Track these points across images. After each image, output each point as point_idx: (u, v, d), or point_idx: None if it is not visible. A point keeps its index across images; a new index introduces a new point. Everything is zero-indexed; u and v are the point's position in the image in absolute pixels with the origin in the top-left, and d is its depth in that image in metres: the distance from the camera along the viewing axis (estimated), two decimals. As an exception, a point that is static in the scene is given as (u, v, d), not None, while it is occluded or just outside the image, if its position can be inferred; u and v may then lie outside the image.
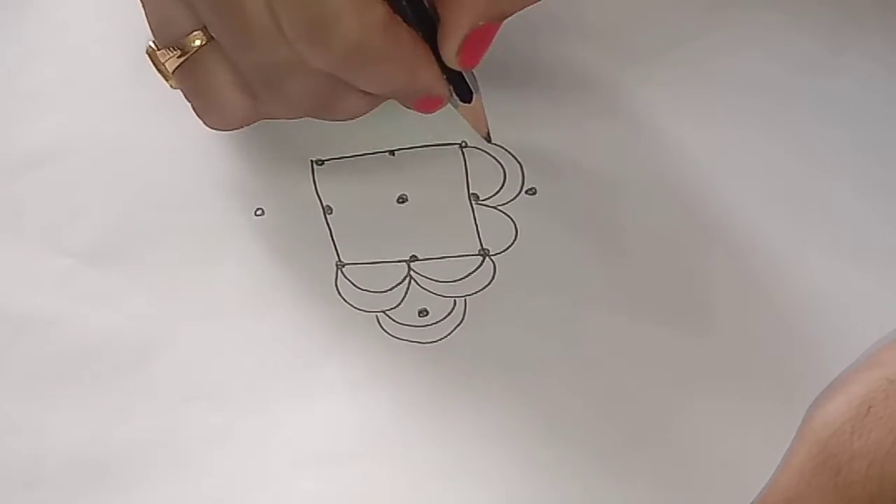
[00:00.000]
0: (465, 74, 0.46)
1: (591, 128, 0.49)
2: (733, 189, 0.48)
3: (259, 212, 0.48)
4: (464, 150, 0.49)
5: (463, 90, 0.47)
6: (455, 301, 0.47)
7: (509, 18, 0.45)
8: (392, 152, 0.49)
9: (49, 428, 0.45)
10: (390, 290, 0.47)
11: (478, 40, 0.44)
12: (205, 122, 0.46)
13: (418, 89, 0.45)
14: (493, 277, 0.47)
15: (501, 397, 0.45)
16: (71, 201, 0.48)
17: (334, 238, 0.48)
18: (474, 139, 0.49)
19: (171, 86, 0.46)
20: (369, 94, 0.45)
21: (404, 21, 0.44)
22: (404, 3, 0.43)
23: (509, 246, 0.48)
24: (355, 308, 0.47)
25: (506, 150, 0.49)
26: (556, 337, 0.46)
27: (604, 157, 0.49)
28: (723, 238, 0.47)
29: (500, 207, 0.48)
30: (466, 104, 0.47)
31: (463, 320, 0.46)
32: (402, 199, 0.48)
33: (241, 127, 0.46)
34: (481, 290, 0.47)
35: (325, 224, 0.48)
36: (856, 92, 0.49)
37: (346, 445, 0.44)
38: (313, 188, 0.48)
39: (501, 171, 0.49)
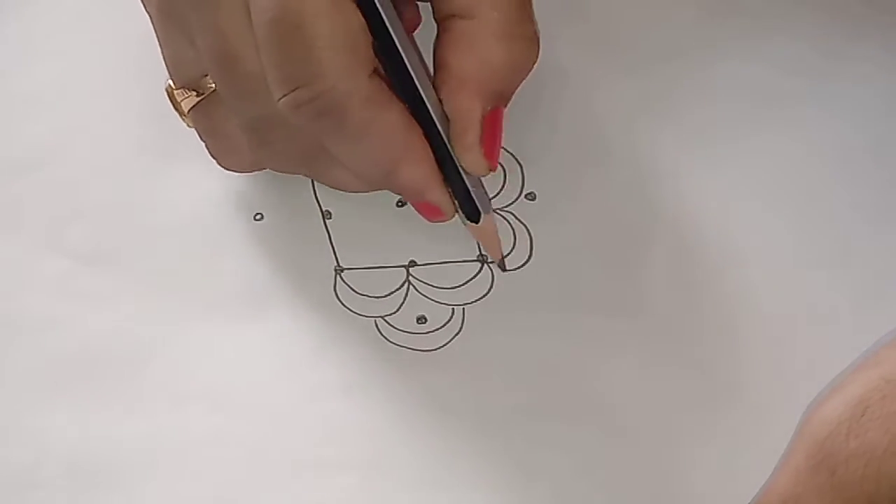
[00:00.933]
0: (472, 190, 0.45)
1: (590, 134, 0.50)
2: (731, 192, 0.48)
3: (258, 216, 0.48)
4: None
5: (469, 207, 0.45)
6: (454, 309, 0.47)
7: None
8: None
9: (48, 429, 0.45)
10: (389, 295, 0.47)
11: (491, 129, 0.44)
12: (218, 163, 0.47)
13: (403, 183, 0.44)
14: (491, 284, 0.47)
15: (499, 406, 0.45)
16: (70, 203, 0.49)
17: (333, 243, 0.48)
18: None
19: (187, 125, 0.46)
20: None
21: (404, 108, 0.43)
22: (405, 101, 0.42)
23: (508, 253, 0.48)
24: (354, 313, 0.47)
25: (506, 150, 0.49)
26: (555, 345, 0.46)
27: (603, 164, 0.49)
28: (722, 240, 0.47)
29: (499, 211, 0.48)
30: (481, 225, 0.45)
31: (461, 329, 0.46)
32: (401, 203, 0.48)
33: (253, 171, 0.47)
34: (480, 298, 0.47)
35: (325, 229, 0.48)
36: (852, 96, 0.49)
37: (343, 451, 0.44)
38: (312, 193, 0.49)
39: (501, 173, 0.49)
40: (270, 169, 0.47)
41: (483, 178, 0.48)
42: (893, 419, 0.40)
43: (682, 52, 0.50)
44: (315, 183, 0.49)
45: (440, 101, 0.43)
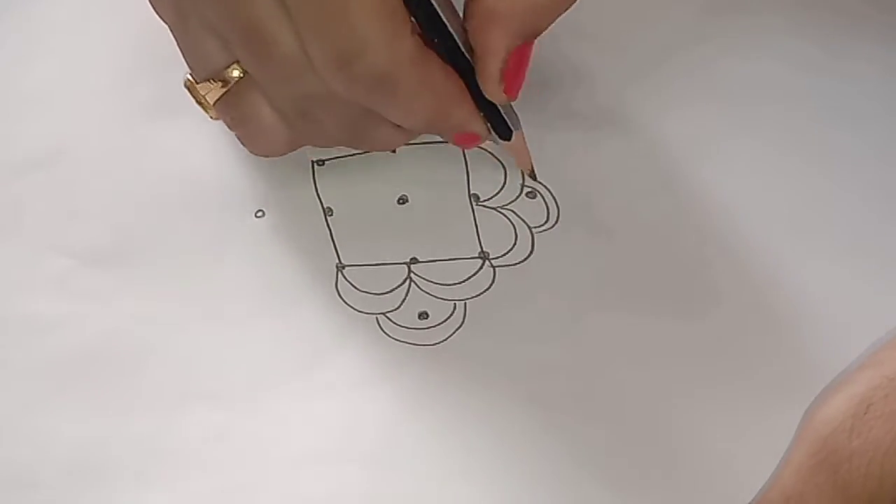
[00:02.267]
0: (501, 110, 0.46)
1: (591, 130, 0.50)
2: (733, 191, 0.48)
3: (260, 213, 0.48)
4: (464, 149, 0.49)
5: (501, 127, 0.46)
6: (455, 304, 0.47)
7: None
8: (392, 151, 0.49)
9: (49, 428, 0.44)
10: (390, 292, 0.47)
11: (516, 64, 0.44)
12: (250, 150, 0.47)
13: (452, 125, 0.45)
14: (493, 281, 0.47)
15: (501, 401, 0.45)
16: (71, 202, 0.48)
17: (335, 239, 0.48)
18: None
19: (212, 117, 0.46)
20: (402, 127, 0.45)
21: (437, 55, 0.43)
22: (436, 39, 0.43)
23: (510, 249, 0.48)
24: (355, 310, 0.47)
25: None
26: (556, 341, 0.46)
27: (605, 160, 0.49)
28: (723, 239, 0.47)
29: (500, 209, 0.48)
30: (514, 141, 0.47)
31: (463, 323, 0.46)
32: (402, 200, 0.48)
33: (287, 153, 0.47)
34: (481, 293, 0.47)
35: (326, 225, 0.48)
36: (854, 94, 0.49)
37: (346, 448, 0.44)
38: (314, 189, 0.48)
39: (502, 170, 0.49)
40: (312, 145, 0.47)
41: (484, 176, 0.49)
42: (896, 417, 0.40)
43: (683, 50, 0.50)
44: (317, 180, 0.49)
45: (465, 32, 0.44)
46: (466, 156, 0.49)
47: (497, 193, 0.49)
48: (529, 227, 0.48)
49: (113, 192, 0.49)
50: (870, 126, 0.49)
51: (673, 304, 0.46)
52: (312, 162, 0.49)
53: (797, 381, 0.44)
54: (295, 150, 0.47)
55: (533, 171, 0.49)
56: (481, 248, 0.48)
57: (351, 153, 0.49)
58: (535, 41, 0.44)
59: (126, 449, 0.44)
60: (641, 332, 0.46)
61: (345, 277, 0.47)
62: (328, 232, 0.48)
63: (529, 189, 0.49)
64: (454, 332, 0.46)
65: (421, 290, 0.47)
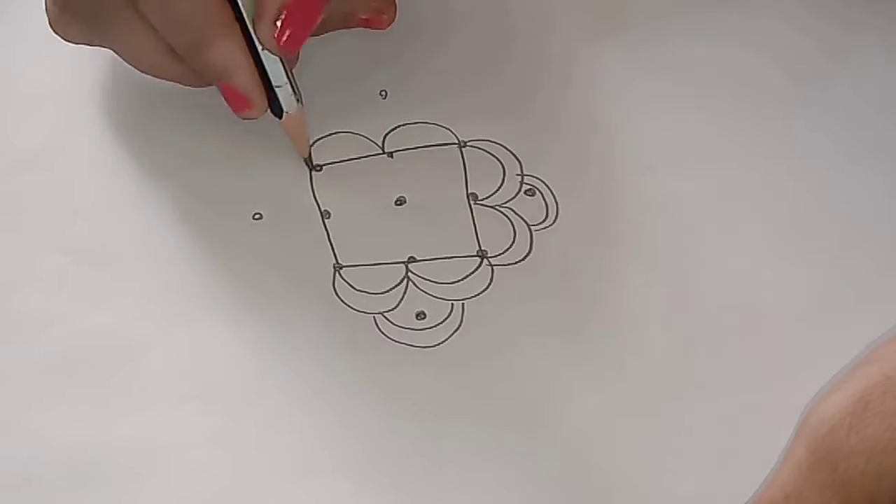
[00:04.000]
0: (277, 91, 0.46)
1: (589, 129, 0.50)
2: (731, 190, 0.48)
3: (257, 215, 0.48)
4: (462, 149, 0.49)
5: (274, 103, 0.46)
6: (453, 305, 0.47)
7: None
8: (391, 154, 0.49)
9: (44, 427, 0.44)
10: (388, 291, 0.47)
11: (299, 14, 0.44)
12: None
13: (214, 62, 0.44)
14: (490, 280, 0.47)
15: (498, 404, 0.45)
16: (67, 201, 0.49)
17: (332, 241, 0.48)
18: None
19: None
20: (160, 39, 0.45)
21: None
22: None
23: (508, 248, 0.48)
24: (353, 309, 0.47)
25: (504, 146, 0.49)
26: (555, 342, 0.46)
27: (603, 158, 0.49)
28: (721, 238, 0.47)
29: (498, 207, 0.48)
30: (291, 116, 0.47)
31: (461, 325, 0.46)
32: (400, 202, 0.48)
33: (69, 39, 0.47)
34: (479, 294, 0.47)
35: (323, 228, 0.48)
36: (853, 95, 0.49)
37: (341, 449, 0.44)
38: (311, 192, 0.49)
39: (501, 169, 0.49)
40: (86, 42, 0.47)
41: (482, 175, 0.48)
42: (894, 415, 0.40)
43: (684, 49, 0.50)
44: (314, 182, 0.49)
45: None
46: (464, 155, 0.49)
47: (495, 192, 0.48)
48: (528, 226, 0.48)
49: (109, 192, 0.49)
50: (869, 126, 0.49)
51: (672, 302, 0.46)
52: (310, 166, 0.49)
53: (796, 380, 0.44)
54: (76, 42, 0.47)
55: (309, 157, 0.48)
56: (479, 246, 0.48)
57: (348, 158, 0.49)
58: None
59: (122, 447, 0.44)
60: (641, 330, 0.46)
61: (342, 277, 0.47)
62: (325, 234, 0.48)
63: (528, 187, 0.49)
64: (452, 335, 0.46)
65: (419, 289, 0.47)
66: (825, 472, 0.40)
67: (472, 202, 0.48)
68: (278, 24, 0.44)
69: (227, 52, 0.45)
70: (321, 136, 0.50)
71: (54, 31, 0.47)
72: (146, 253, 0.48)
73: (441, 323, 0.46)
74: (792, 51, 0.51)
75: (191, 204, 0.48)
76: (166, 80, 0.47)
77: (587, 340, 0.46)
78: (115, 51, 0.47)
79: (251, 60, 0.45)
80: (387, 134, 0.50)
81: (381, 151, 0.49)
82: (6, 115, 0.51)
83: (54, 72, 0.51)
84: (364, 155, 0.49)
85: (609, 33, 0.51)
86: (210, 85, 0.47)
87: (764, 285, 0.46)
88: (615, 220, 0.48)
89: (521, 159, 0.49)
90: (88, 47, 0.48)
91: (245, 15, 0.45)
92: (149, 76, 0.47)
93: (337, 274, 0.47)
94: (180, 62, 0.46)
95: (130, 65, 0.47)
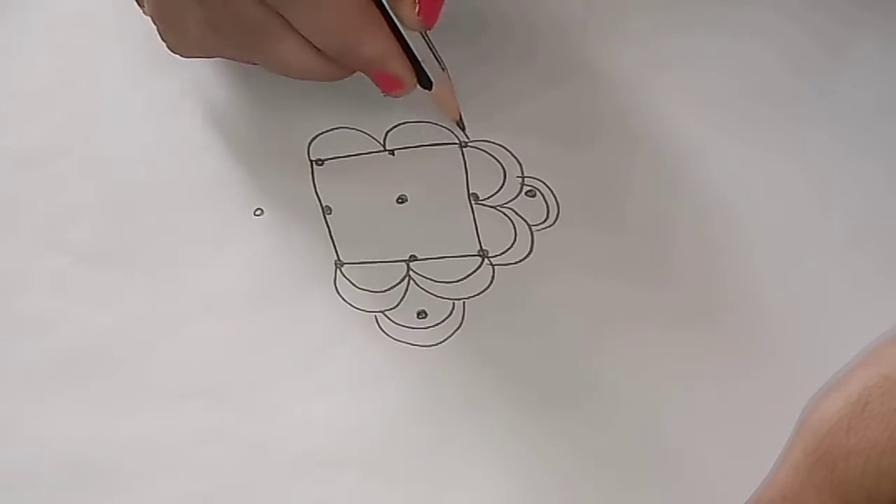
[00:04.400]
0: (420, 59, 0.47)
1: (590, 130, 0.50)
2: (731, 190, 0.48)
3: (258, 212, 0.48)
4: (463, 149, 0.49)
5: (422, 76, 0.47)
6: (454, 304, 0.47)
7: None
8: (392, 152, 0.49)
9: (47, 426, 0.44)
10: (389, 289, 0.47)
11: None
12: (167, 45, 0.47)
13: (367, 57, 0.46)
14: (491, 279, 0.47)
15: (499, 402, 0.45)
16: (68, 200, 0.49)
17: (333, 238, 0.48)
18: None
19: (144, 12, 0.47)
20: (310, 45, 0.46)
21: None
22: None
23: (509, 247, 0.48)
24: (354, 307, 0.47)
25: (504, 147, 0.49)
26: (555, 341, 0.46)
27: (604, 158, 0.49)
28: (720, 239, 0.47)
29: (499, 207, 0.48)
30: (441, 85, 0.48)
31: (462, 324, 0.46)
32: (401, 200, 0.48)
33: (203, 57, 0.48)
34: (480, 293, 0.47)
35: (325, 224, 0.48)
36: (853, 92, 0.50)
37: (343, 447, 0.44)
38: (313, 188, 0.49)
39: (501, 170, 0.49)
40: (222, 57, 0.48)
41: (483, 175, 0.49)
42: (893, 416, 0.40)
43: (685, 46, 0.51)
44: (315, 178, 0.49)
45: None
46: (465, 156, 0.49)
47: (496, 192, 0.49)
48: (529, 226, 0.48)
49: (111, 191, 0.49)
50: (870, 124, 0.49)
51: (672, 301, 0.46)
52: (311, 161, 0.49)
53: (795, 380, 0.44)
54: (208, 56, 0.48)
55: (461, 120, 0.49)
56: (480, 246, 0.48)
57: (349, 154, 0.49)
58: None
59: (125, 446, 0.44)
60: (640, 331, 0.46)
61: (343, 275, 0.47)
62: (327, 230, 0.48)
63: (529, 188, 0.49)
64: (453, 333, 0.46)
65: (420, 287, 0.47)
66: (823, 473, 0.40)
67: (473, 202, 0.48)
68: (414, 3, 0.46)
69: (379, 45, 0.46)
70: (323, 130, 0.50)
71: (186, 53, 0.48)
72: (147, 252, 0.47)
73: (442, 322, 0.46)
74: (793, 47, 0.51)
75: (192, 201, 0.48)
76: (316, 80, 0.48)
77: (587, 340, 0.46)
78: (261, 64, 0.48)
79: (399, 45, 0.46)
80: (388, 131, 0.50)
81: (382, 149, 0.49)
82: (7, 115, 0.50)
83: (55, 71, 0.51)
84: (366, 152, 0.49)
85: (610, 32, 0.51)
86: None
87: (763, 284, 0.46)
88: (615, 221, 0.48)
89: (521, 160, 0.49)
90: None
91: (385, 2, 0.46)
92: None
93: (338, 271, 0.47)
94: (332, 63, 0.46)
95: (281, 74, 0.47)
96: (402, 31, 0.47)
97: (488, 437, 0.44)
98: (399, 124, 0.50)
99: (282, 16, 0.45)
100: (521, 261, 0.47)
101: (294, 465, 0.44)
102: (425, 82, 0.48)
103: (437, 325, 0.46)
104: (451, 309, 0.47)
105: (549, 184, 0.49)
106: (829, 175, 0.48)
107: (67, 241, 0.48)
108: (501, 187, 0.49)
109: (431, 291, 0.47)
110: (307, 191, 0.48)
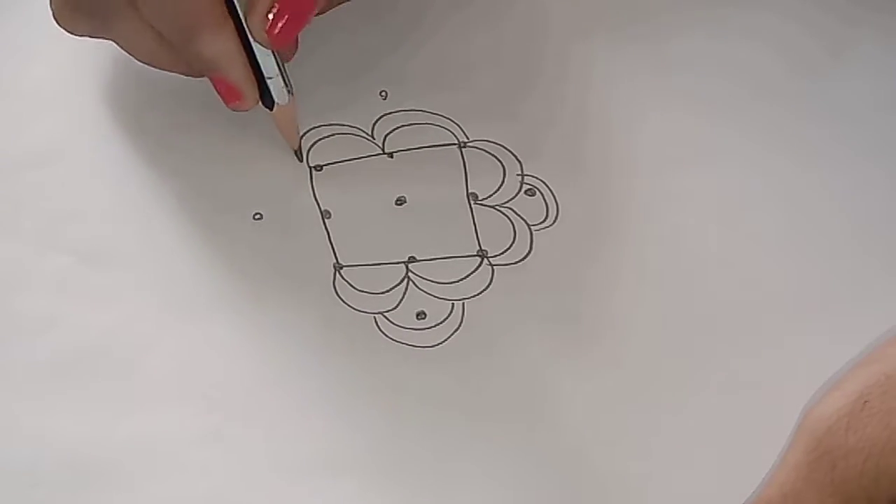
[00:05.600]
0: (269, 81, 0.46)
1: (590, 127, 0.50)
2: (731, 189, 0.48)
3: (257, 216, 0.48)
4: (462, 149, 0.49)
5: (265, 94, 0.46)
6: (453, 305, 0.47)
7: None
8: (391, 154, 0.49)
9: (47, 427, 0.44)
10: (388, 291, 0.47)
11: (288, 12, 0.44)
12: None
13: (204, 53, 0.45)
14: (491, 280, 0.47)
15: (499, 403, 0.45)
16: (70, 201, 0.49)
17: (332, 241, 0.48)
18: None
19: None
20: (154, 29, 0.45)
21: None
22: None
23: (508, 247, 0.48)
24: (353, 309, 0.47)
25: (504, 146, 0.49)
26: (555, 341, 0.46)
27: (603, 157, 0.49)
28: (721, 237, 0.47)
29: (498, 207, 0.48)
30: (282, 108, 0.47)
31: (461, 325, 0.46)
32: (400, 201, 0.48)
33: (75, 33, 0.48)
34: (479, 293, 0.47)
35: (324, 228, 0.48)
36: (854, 92, 0.49)
37: (342, 448, 0.44)
38: (311, 193, 0.49)
39: (501, 168, 0.49)
40: (89, 35, 0.47)
41: (482, 175, 0.48)
42: (893, 414, 0.40)
43: (683, 45, 0.51)
44: (314, 182, 0.49)
45: None
46: (464, 155, 0.49)
47: (495, 192, 0.49)
48: (528, 225, 0.48)
49: (110, 193, 0.49)
50: (870, 123, 0.49)
51: (671, 300, 0.46)
52: (310, 167, 0.49)
53: (795, 379, 0.44)
54: (80, 34, 0.48)
55: (300, 149, 0.49)
56: (480, 246, 0.48)
57: (348, 158, 0.49)
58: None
59: (124, 448, 0.44)
60: (640, 329, 0.46)
61: (343, 277, 0.47)
62: (326, 234, 0.48)
63: (528, 186, 0.49)
64: (452, 334, 0.46)
65: (419, 289, 0.47)
66: (823, 472, 0.40)
67: (472, 202, 0.48)
68: (270, 16, 0.44)
69: (218, 45, 0.45)
70: (321, 137, 0.50)
71: (58, 23, 0.47)
72: (147, 254, 0.47)
73: (441, 323, 0.46)
74: (793, 46, 0.50)
75: (192, 204, 0.48)
76: (164, 70, 0.47)
77: (587, 340, 0.46)
78: (115, 41, 0.47)
79: (243, 53, 0.45)
80: (387, 134, 0.50)
81: (381, 152, 0.49)
82: (8, 115, 0.50)
83: (56, 72, 0.51)
84: (364, 155, 0.49)
85: (609, 31, 0.51)
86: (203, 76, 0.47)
87: (763, 283, 0.46)
88: (615, 220, 0.48)
89: (521, 159, 0.49)
90: (91, 43, 0.48)
91: (238, 6, 0.45)
92: (152, 70, 0.47)
93: (337, 274, 0.47)
94: (175, 53, 0.46)
95: (130, 55, 0.47)
96: (252, 44, 0.45)
97: (488, 438, 0.44)
98: (399, 126, 0.50)
99: None
100: (520, 261, 0.47)
101: (293, 466, 0.44)
102: (268, 101, 0.47)
103: (436, 325, 0.46)
104: (450, 310, 0.46)
105: (548, 183, 0.49)
106: (829, 175, 0.48)
107: (68, 242, 0.48)
108: (501, 186, 0.49)
109: (431, 292, 0.47)
110: (306, 196, 0.48)
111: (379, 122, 0.50)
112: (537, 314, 0.46)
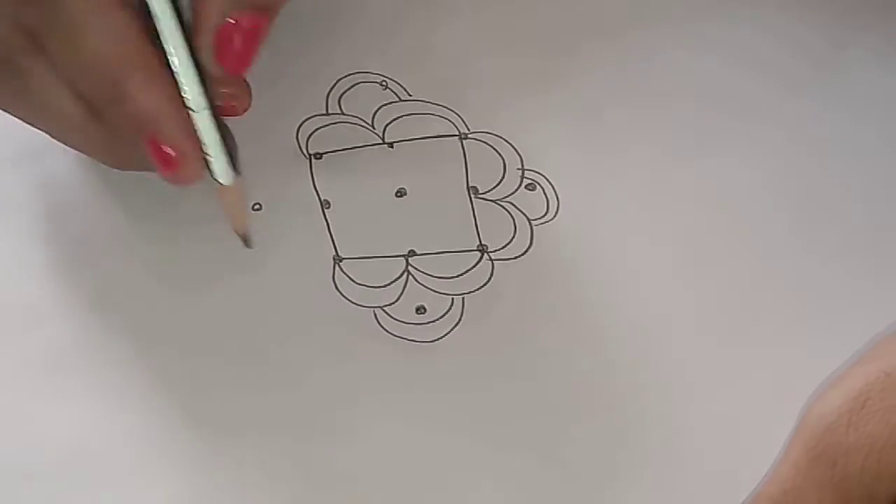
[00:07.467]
0: (211, 161, 0.41)
1: (591, 123, 0.49)
2: (732, 185, 0.48)
3: (257, 206, 0.48)
4: (463, 141, 0.49)
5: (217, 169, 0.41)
6: (453, 299, 0.46)
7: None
8: (391, 144, 0.49)
9: (46, 420, 0.44)
10: (388, 285, 0.47)
11: (234, 37, 0.40)
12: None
13: (132, 107, 0.38)
14: (491, 275, 0.47)
15: (499, 398, 0.45)
16: (66, 194, 0.48)
17: (332, 232, 0.48)
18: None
19: None
20: (69, 87, 0.39)
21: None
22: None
23: (508, 242, 0.48)
24: (353, 303, 0.46)
25: (505, 139, 0.49)
26: (555, 336, 0.46)
27: (606, 149, 0.49)
28: (721, 234, 0.47)
29: (499, 201, 0.48)
30: (227, 188, 0.43)
31: (461, 320, 0.46)
32: (400, 193, 0.48)
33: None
34: (479, 288, 0.47)
35: (323, 218, 0.48)
36: (858, 88, 0.49)
37: (342, 443, 0.44)
38: (311, 182, 0.48)
39: (501, 162, 0.49)
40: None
41: (483, 168, 0.48)
42: (893, 412, 0.40)
43: (687, 37, 0.51)
44: (314, 172, 0.48)
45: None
46: (465, 147, 0.49)
47: (496, 186, 0.48)
48: (529, 220, 0.48)
49: (107, 185, 0.48)
50: (874, 119, 0.49)
51: (671, 298, 0.46)
52: (310, 155, 0.49)
53: (795, 377, 0.44)
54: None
55: (246, 235, 0.46)
56: (480, 241, 0.48)
57: (348, 147, 0.49)
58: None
59: (123, 442, 0.44)
60: (641, 326, 0.46)
61: (342, 270, 0.47)
62: (325, 225, 0.48)
63: (529, 181, 0.49)
64: (452, 329, 0.46)
65: (419, 283, 0.47)
66: (823, 469, 0.40)
67: (472, 195, 0.48)
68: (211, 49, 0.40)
69: (152, 98, 0.38)
70: (322, 125, 0.49)
71: None
72: (144, 246, 0.47)
73: (441, 317, 0.46)
74: (794, 46, 0.51)
75: (189, 195, 0.48)
76: (87, 151, 0.42)
77: (587, 335, 0.46)
78: (13, 112, 0.41)
79: (182, 108, 0.39)
80: (387, 124, 0.50)
81: (381, 141, 0.49)
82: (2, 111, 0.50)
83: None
84: (364, 144, 0.49)
85: (610, 27, 0.51)
86: (134, 168, 0.41)
87: (763, 282, 0.46)
88: (616, 215, 0.48)
89: (521, 153, 0.49)
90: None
91: (171, 48, 0.39)
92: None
93: (337, 266, 0.47)
94: (98, 118, 0.40)
95: (36, 126, 0.40)
96: (191, 114, 0.40)
97: (488, 434, 0.44)
98: (399, 116, 0.50)
99: (36, 41, 0.38)
100: (520, 255, 0.47)
101: (291, 461, 0.44)
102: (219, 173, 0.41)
103: (436, 320, 0.46)
104: (450, 304, 0.46)
105: (549, 177, 0.49)
106: (828, 174, 0.48)
107: (64, 235, 0.47)
108: (501, 180, 0.48)
109: (431, 287, 0.47)
110: (306, 185, 0.48)
111: (379, 111, 0.50)
112: (537, 309, 0.46)
